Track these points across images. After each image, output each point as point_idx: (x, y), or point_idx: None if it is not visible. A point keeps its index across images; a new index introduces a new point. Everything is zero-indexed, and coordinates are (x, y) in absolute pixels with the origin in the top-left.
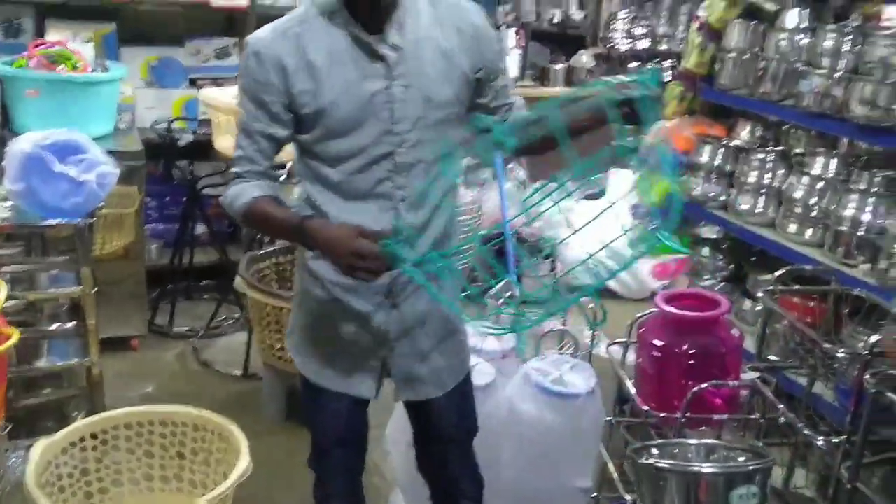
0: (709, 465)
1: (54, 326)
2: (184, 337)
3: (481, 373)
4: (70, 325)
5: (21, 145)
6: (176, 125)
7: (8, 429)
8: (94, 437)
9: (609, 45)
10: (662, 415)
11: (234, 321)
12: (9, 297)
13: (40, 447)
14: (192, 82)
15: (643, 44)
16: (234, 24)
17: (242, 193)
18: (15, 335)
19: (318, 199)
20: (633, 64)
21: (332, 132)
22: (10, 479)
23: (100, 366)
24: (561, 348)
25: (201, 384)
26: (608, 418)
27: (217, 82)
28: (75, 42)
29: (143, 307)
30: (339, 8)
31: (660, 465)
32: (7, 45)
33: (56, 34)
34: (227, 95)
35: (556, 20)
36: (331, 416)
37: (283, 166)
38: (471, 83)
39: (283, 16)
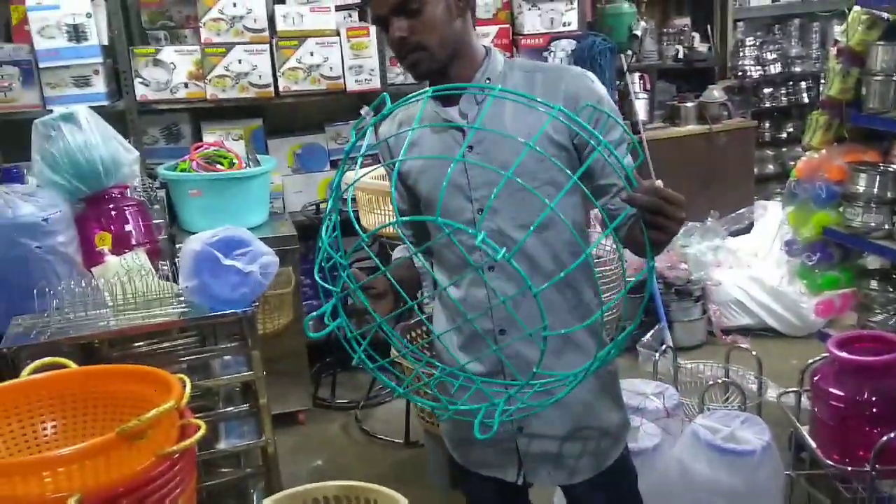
0: None
1: (229, 409)
2: (346, 408)
3: (647, 434)
4: (244, 406)
5: (192, 245)
6: (323, 206)
7: None
8: None
9: (740, 74)
10: (850, 469)
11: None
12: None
13: None
14: (334, 164)
15: (775, 68)
16: (368, 105)
17: (395, 254)
18: (202, 427)
19: (435, 270)
20: (767, 90)
21: (425, 200)
22: None
23: (274, 444)
24: (726, 400)
25: (367, 454)
26: (788, 472)
27: (357, 161)
28: (228, 140)
29: (306, 382)
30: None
31: None
32: (169, 150)
33: (211, 135)
34: (365, 175)
35: (680, 55)
36: (482, 500)
37: None
38: (565, 150)
39: (412, 93)
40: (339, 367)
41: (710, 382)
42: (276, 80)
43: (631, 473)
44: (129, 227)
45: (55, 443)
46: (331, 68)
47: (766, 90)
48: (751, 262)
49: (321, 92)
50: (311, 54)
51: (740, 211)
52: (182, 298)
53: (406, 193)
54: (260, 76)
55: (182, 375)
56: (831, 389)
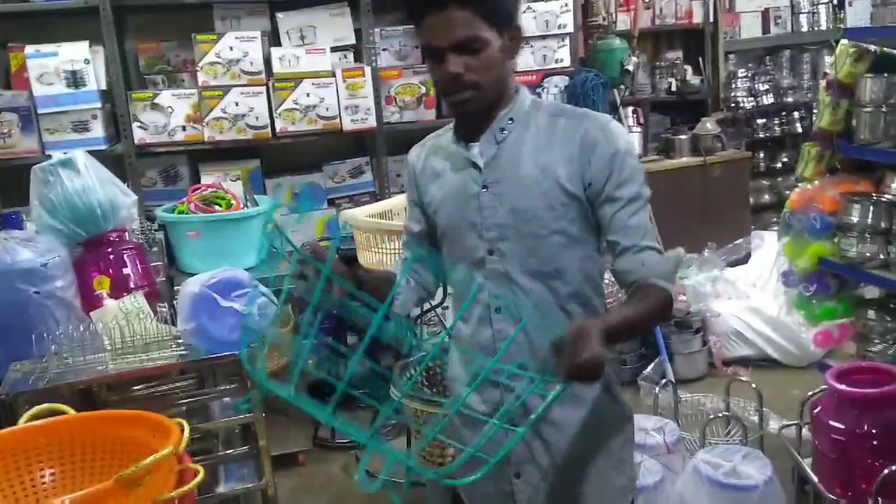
0: None
1: (229, 451)
2: (347, 448)
3: (648, 471)
4: (243, 448)
5: (190, 287)
6: (321, 244)
7: None
8: None
9: (733, 106)
10: (853, 502)
11: (392, 427)
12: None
13: None
14: (331, 202)
15: (768, 99)
16: (364, 144)
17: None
18: (201, 472)
19: (452, 303)
20: (760, 121)
21: (443, 233)
22: None
23: (274, 486)
24: (728, 433)
25: (369, 494)
26: None
27: (353, 199)
28: (226, 181)
29: (305, 422)
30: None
31: None
32: (167, 192)
33: (209, 177)
34: (361, 213)
35: (672, 88)
36: None
37: None
38: (577, 200)
39: (407, 133)
40: (339, 406)
41: (711, 416)
42: (272, 122)
43: None
44: (127, 271)
45: (53, 491)
46: (327, 108)
47: (760, 121)
48: (749, 293)
49: (318, 132)
50: (308, 95)
51: (737, 241)
52: (181, 341)
53: (424, 219)
54: (257, 118)
55: (180, 419)
56: (831, 422)
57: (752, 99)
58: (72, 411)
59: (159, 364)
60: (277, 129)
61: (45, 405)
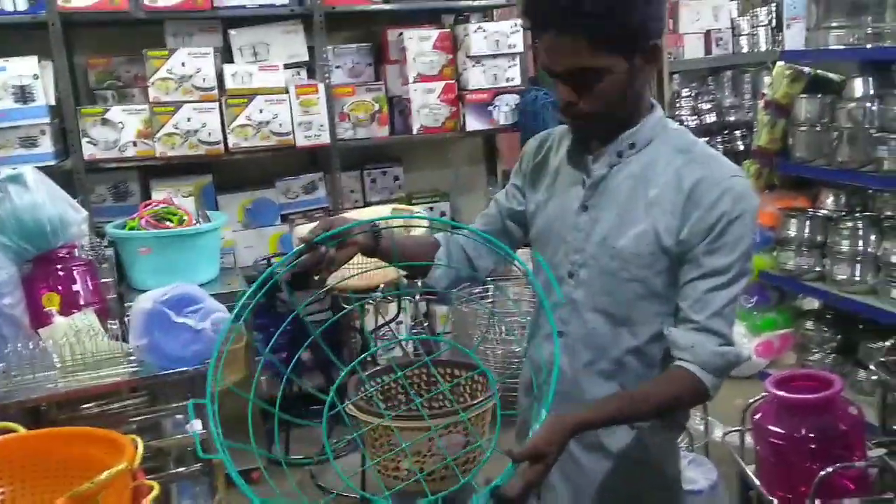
0: None
1: (181, 469)
2: (301, 464)
3: None
4: (196, 466)
5: (142, 304)
6: (274, 260)
7: None
8: None
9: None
10: None
11: (347, 443)
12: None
13: None
14: (284, 218)
15: (711, 117)
16: (318, 160)
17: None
18: (156, 488)
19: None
20: (704, 139)
21: (536, 237)
22: None
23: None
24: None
25: None
26: None
27: (307, 215)
28: (178, 197)
29: (259, 439)
30: None
31: None
32: (118, 209)
33: (160, 193)
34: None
35: None
36: None
37: None
38: (668, 253)
39: (360, 149)
40: (292, 423)
41: None
42: (225, 137)
43: None
44: (77, 287)
45: None
46: (280, 125)
47: (703, 139)
48: None
49: (271, 147)
50: (261, 111)
51: None
52: (132, 358)
53: (516, 205)
54: (209, 133)
55: (133, 436)
56: (771, 427)
57: (696, 117)
58: (22, 429)
59: (111, 381)
60: (230, 145)
61: None
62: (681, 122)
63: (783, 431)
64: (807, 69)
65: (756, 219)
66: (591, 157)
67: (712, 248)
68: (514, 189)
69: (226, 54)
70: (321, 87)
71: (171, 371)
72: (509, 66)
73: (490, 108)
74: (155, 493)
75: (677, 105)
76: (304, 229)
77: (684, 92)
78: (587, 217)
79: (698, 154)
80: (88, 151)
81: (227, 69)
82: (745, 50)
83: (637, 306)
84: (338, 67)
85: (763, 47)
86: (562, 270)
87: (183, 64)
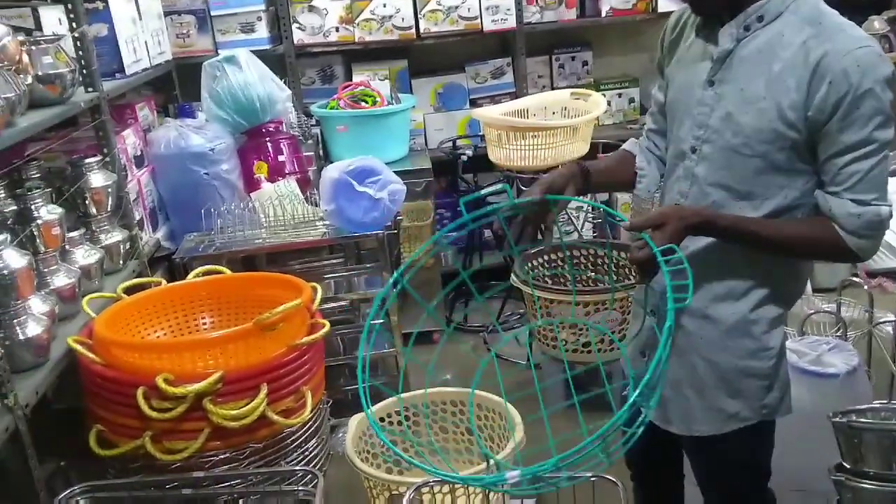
0: None
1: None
2: (476, 331)
3: None
4: (379, 321)
5: (330, 173)
6: (460, 142)
7: (329, 404)
8: (398, 413)
9: None
10: None
11: (520, 316)
12: (331, 299)
13: (356, 421)
14: (473, 102)
15: None
16: (507, 45)
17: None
18: (326, 326)
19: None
20: None
21: (667, 109)
22: (338, 447)
23: (402, 355)
24: (836, 331)
25: (491, 371)
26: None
27: (494, 100)
28: (374, 80)
29: (441, 306)
30: None
31: (854, 423)
32: (324, 90)
33: (360, 75)
34: (496, 112)
35: None
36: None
37: None
38: (795, 129)
39: (547, 34)
40: (471, 295)
41: (811, 311)
42: (417, 23)
43: (746, 451)
44: (282, 158)
45: (211, 331)
46: (468, 9)
47: None
48: None
49: (459, 32)
50: None
51: None
52: (324, 221)
53: (663, 80)
54: (403, 18)
55: (315, 284)
56: None
57: None
58: (228, 272)
59: (306, 239)
60: (422, 30)
61: (207, 266)
62: None
63: None
64: None
65: (890, 85)
66: (720, 30)
67: (844, 124)
68: (660, 76)
69: None
70: None
71: (355, 234)
72: None
73: None
74: (325, 329)
75: None
76: (481, 111)
77: None
78: (713, 92)
79: (827, 25)
80: (298, 37)
81: None
82: None
83: (759, 181)
84: None
85: None
86: (683, 146)
87: None
